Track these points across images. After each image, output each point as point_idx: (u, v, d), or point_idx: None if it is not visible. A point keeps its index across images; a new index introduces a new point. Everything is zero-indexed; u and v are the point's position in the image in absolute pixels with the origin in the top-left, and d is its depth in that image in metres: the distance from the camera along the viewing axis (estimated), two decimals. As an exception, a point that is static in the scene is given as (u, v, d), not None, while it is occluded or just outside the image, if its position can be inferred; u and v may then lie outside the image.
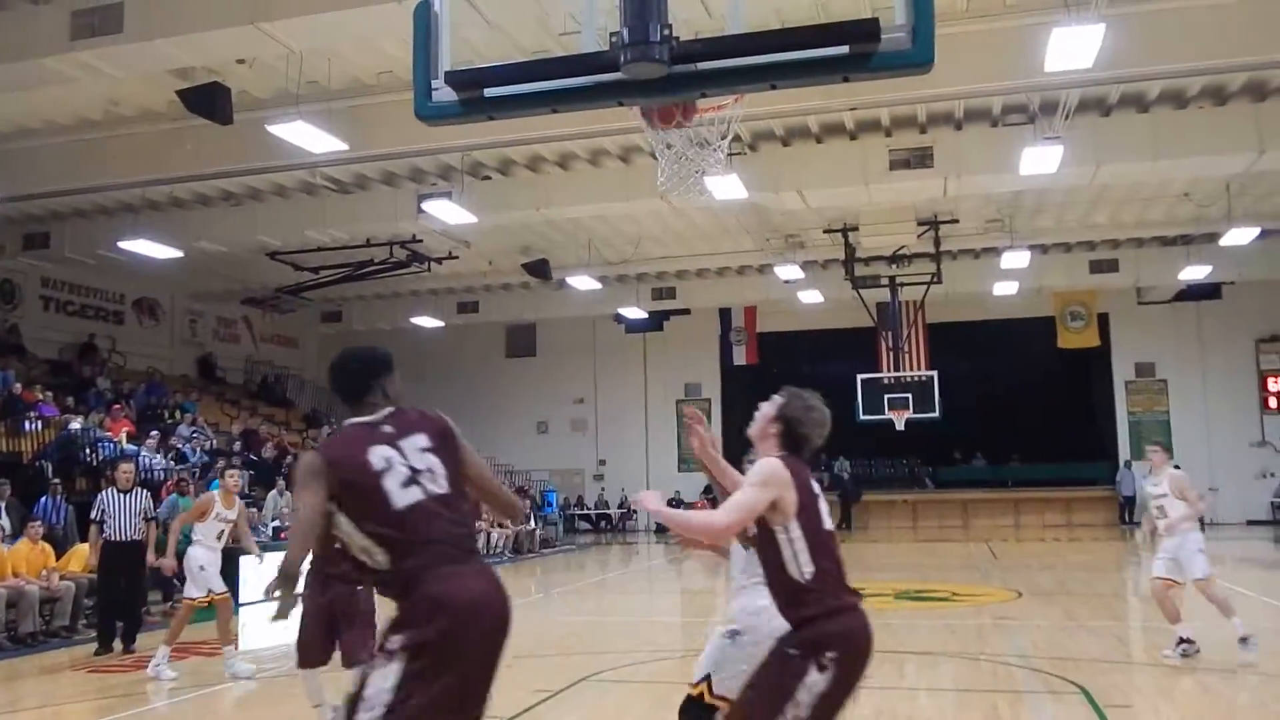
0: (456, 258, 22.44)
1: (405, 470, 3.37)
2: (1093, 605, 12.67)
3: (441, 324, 28.28)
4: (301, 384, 29.71)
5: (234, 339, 28.94)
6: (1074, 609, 12.54)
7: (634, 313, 27.54)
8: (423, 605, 3.19)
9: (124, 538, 10.50)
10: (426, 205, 17.50)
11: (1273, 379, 28.75)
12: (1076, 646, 9.48)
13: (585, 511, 31.76)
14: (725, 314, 30.18)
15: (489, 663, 3.26)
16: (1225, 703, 7.43)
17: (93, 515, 10.69)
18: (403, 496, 3.33)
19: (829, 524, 3.70)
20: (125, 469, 10.89)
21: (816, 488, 3.72)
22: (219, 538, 9.35)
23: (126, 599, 10.83)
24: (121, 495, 10.58)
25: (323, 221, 19.43)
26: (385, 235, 20.84)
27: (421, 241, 21.17)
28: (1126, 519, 28.19)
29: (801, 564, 3.56)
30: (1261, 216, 20.58)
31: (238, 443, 20.67)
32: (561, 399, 32.26)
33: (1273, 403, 28.67)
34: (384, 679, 3.13)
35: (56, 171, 15.76)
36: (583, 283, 23.96)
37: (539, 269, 22.82)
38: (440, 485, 3.41)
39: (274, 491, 17.48)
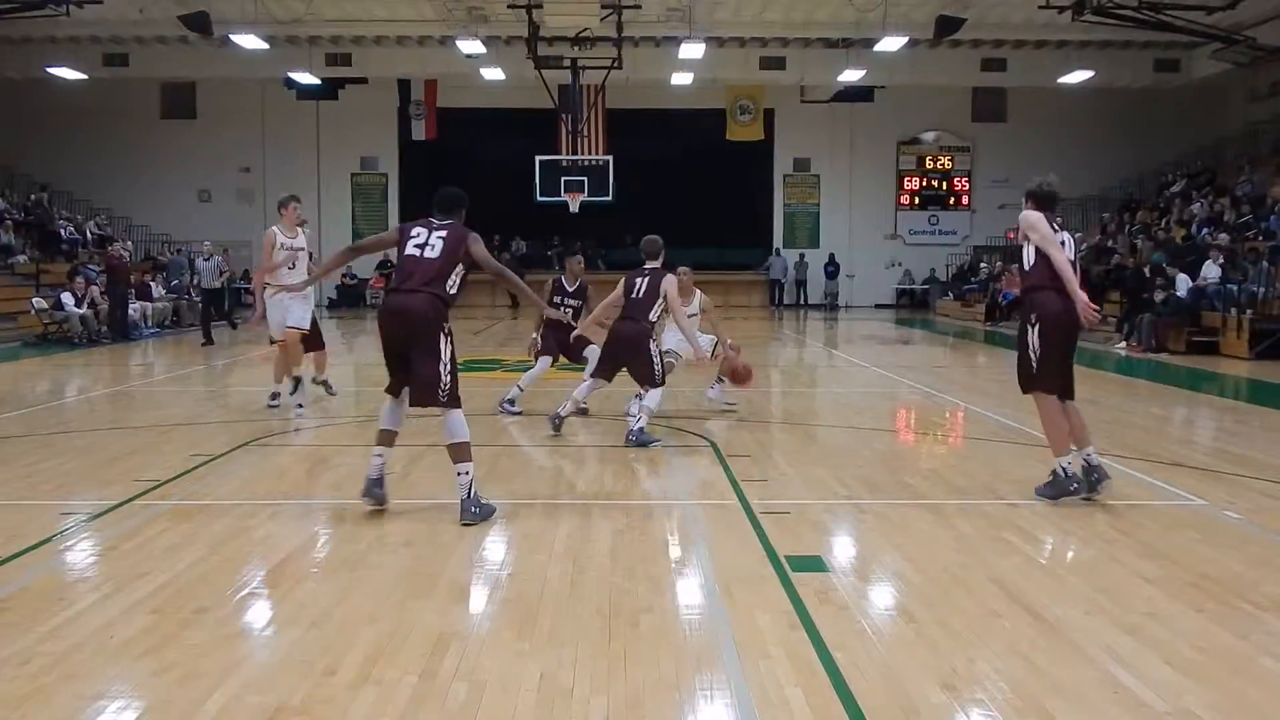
0: (100, 2, 20.13)
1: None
2: (734, 375, 14.04)
3: (84, 77, 25.48)
4: (-87, 137, 26.14)
5: None
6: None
7: (306, 78, 26.08)
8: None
9: None
10: (61, -64, 15.52)
11: (908, 178, 31.87)
12: (714, 409, 10.62)
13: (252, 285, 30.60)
14: (405, 86, 29.17)
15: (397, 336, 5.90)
16: (822, 447, 8.70)
17: None
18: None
19: None
20: None
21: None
22: (291, 268, 10.15)
23: None
24: None
25: (-70, -56, 16.79)
26: (11, -32, 18.34)
27: (57, -21, 18.82)
28: (776, 301, 30.93)
29: None
30: (911, 26, 22.32)
31: None
32: (226, 166, 30.37)
33: (905, 199, 31.89)
34: None
35: None
36: (248, 41, 22.30)
37: (197, 22, 20.97)
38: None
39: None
